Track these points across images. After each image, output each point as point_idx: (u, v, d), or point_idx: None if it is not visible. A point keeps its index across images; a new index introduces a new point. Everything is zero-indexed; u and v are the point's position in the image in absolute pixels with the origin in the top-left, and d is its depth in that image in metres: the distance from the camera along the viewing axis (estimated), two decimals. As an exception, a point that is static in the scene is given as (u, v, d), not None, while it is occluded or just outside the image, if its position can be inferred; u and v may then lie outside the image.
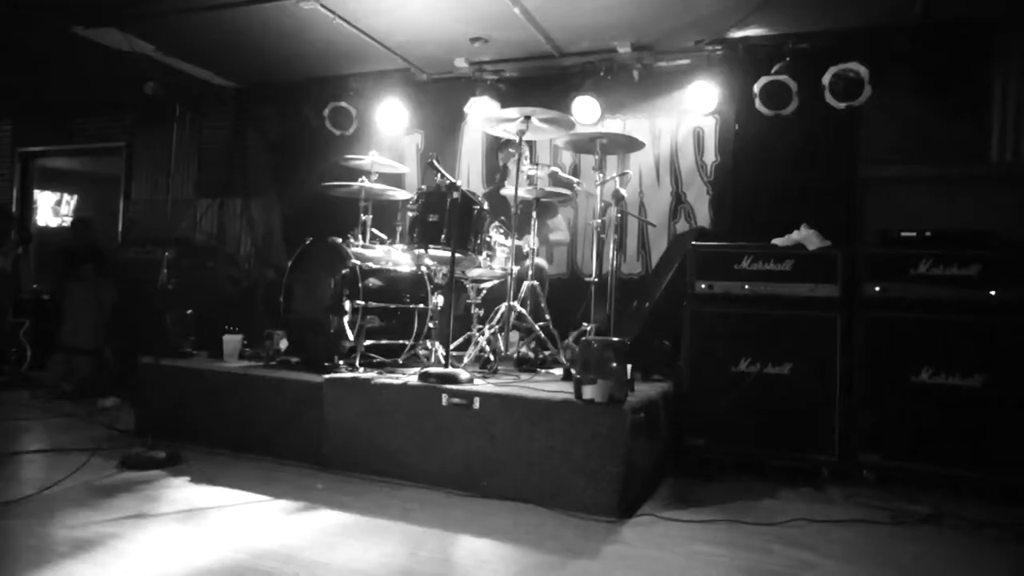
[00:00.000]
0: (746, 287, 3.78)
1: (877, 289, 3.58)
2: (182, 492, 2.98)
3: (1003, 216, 4.14)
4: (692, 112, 5.07)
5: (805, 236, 3.72)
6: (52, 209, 8.66)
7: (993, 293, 3.37)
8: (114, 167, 7.42)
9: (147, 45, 5.42)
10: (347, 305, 3.59)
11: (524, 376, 3.74)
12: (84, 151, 7.83)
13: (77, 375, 5.24)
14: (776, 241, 3.78)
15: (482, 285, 4.23)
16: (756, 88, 4.65)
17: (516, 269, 3.90)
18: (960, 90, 4.45)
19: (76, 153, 8.01)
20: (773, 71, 4.61)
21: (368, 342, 3.71)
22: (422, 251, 3.83)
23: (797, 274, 3.70)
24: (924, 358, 3.45)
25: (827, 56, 4.53)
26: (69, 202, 8.79)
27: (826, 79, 4.48)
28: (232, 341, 4.13)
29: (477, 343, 3.93)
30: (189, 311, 4.34)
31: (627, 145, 4.30)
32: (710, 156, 5.12)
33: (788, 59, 4.63)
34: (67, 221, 8.34)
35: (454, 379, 3.27)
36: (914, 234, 3.59)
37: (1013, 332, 3.33)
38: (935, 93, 4.48)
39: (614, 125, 5.28)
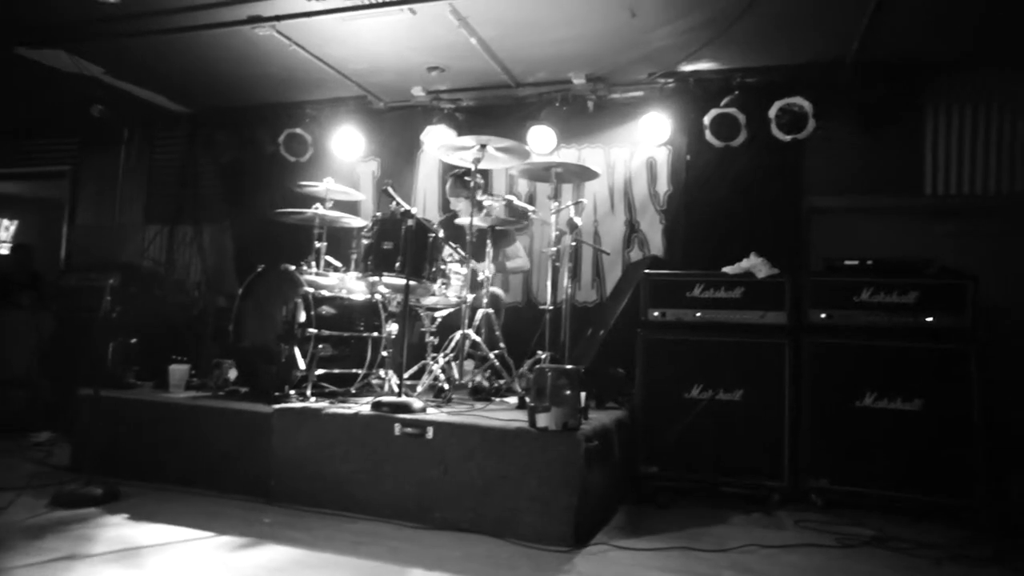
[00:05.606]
0: (698, 314, 3.84)
1: (823, 316, 3.68)
2: (119, 530, 2.84)
3: (938, 245, 4.32)
4: (645, 143, 5.18)
5: (754, 264, 3.81)
6: (-8, 236, 8.32)
7: (930, 320, 3.50)
8: (58, 191, 7.18)
9: (96, 68, 5.31)
10: (299, 333, 3.52)
11: (479, 405, 3.70)
12: (27, 175, 7.55)
13: (9, 408, 4.99)
14: (726, 269, 3.86)
15: (437, 313, 4.20)
16: (706, 120, 4.79)
17: (471, 297, 3.89)
18: (896, 125, 4.67)
19: (18, 177, 7.72)
20: (722, 104, 4.76)
21: (320, 371, 3.63)
22: (376, 279, 3.80)
23: (747, 301, 3.78)
24: (867, 383, 3.54)
25: (773, 90, 4.71)
26: (8, 227, 8.45)
27: (772, 112, 4.65)
28: (178, 371, 4.00)
29: (431, 372, 3.88)
30: (133, 340, 4.19)
31: (581, 174, 4.36)
32: (663, 186, 5.23)
33: (736, 92, 4.78)
34: (5, 248, 8.02)
35: (407, 408, 3.22)
36: (857, 262, 3.71)
37: (948, 357, 3.45)
38: (873, 128, 4.69)
39: (569, 154, 5.37)
